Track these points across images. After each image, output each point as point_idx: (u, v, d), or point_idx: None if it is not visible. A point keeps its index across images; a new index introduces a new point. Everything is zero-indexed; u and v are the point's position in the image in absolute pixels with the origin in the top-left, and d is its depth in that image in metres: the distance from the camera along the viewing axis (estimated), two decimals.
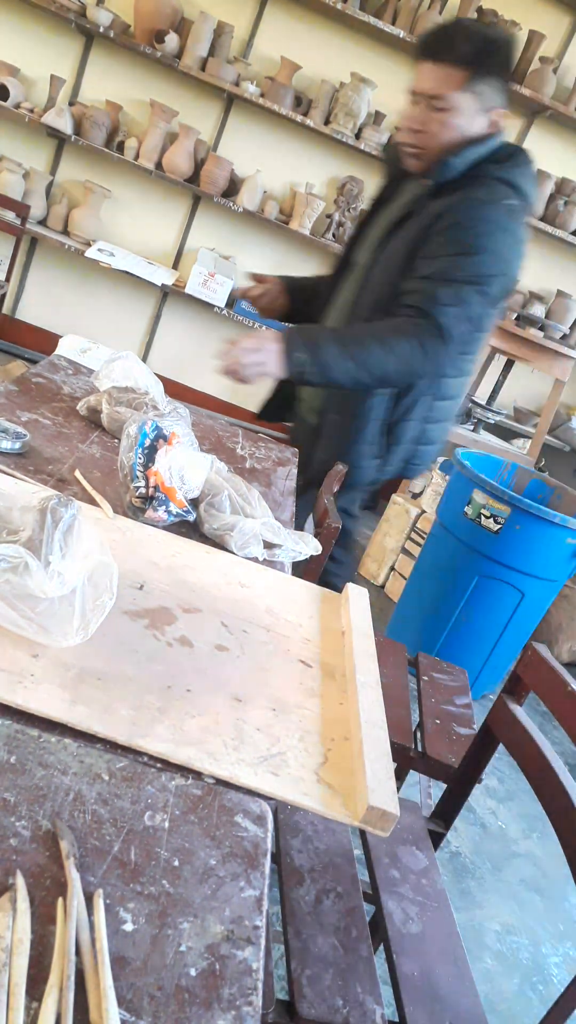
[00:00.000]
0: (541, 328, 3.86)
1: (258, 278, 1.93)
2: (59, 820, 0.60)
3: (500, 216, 1.57)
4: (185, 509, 1.15)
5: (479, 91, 1.55)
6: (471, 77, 1.53)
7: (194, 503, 1.19)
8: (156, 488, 1.13)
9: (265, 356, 1.52)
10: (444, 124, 1.56)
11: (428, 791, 2.12)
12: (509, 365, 4.14)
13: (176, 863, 0.60)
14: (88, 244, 4.14)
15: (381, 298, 1.65)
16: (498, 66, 1.55)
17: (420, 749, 1.54)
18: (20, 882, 0.54)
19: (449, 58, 1.51)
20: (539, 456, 4.23)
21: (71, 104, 4.11)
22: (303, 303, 1.92)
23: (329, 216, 4.11)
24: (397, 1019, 1.03)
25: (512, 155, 1.64)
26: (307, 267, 4.34)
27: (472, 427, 3.95)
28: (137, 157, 3.98)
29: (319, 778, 0.75)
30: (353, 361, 1.54)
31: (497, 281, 1.59)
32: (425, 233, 1.60)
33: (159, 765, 0.69)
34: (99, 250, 4.04)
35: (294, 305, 1.93)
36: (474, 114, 1.58)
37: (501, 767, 2.57)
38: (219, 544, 1.16)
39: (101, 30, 3.83)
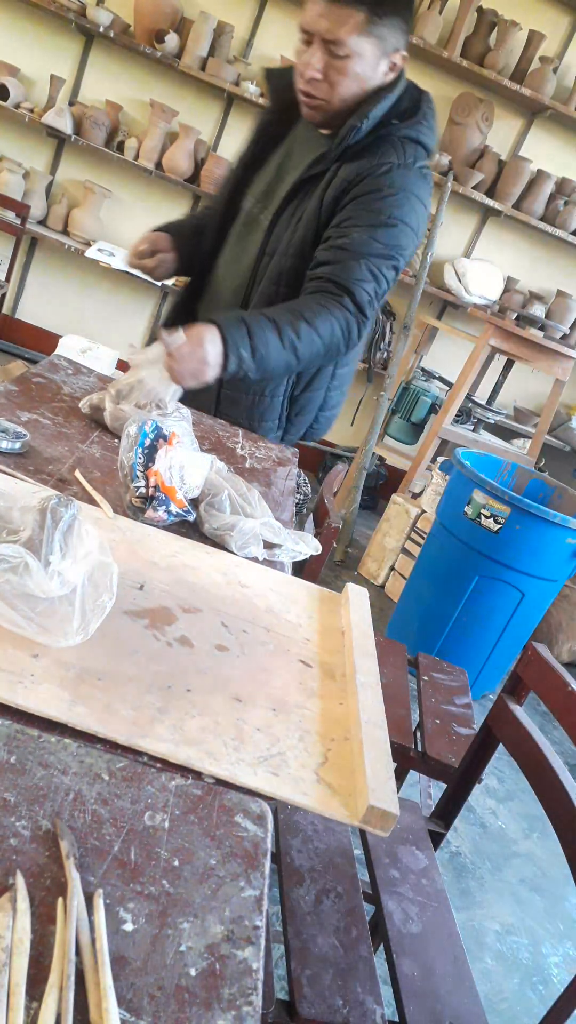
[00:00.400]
0: (541, 328, 3.86)
1: (152, 245, 1.74)
2: (59, 820, 0.60)
3: (415, 183, 1.51)
4: (185, 509, 1.15)
5: (380, 35, 1.43)
6: (371, 19, 1.40)
7: (194, 503, 1.19)
8: (156, 488, 1.13)
9: (204, 359, 1.34)
10: (345, 74, 1.44)
11: (428, 791, 2.12)
12: (509, 365, 4.15)
13: (176, 863, 0.60)
14: (88, 244, 4.14)
15: (288, 267, 1.58)
16: (399, 4, 1.45)
17: (420, 749, 1.54)
18: (20, 882, 0.54)
19: None
20: (539, 456, 4.23)
21: (71, 104, 4.11)
22: (190, 255, 1.79)
23: None
24: (397, 1019, 1.03)
25: (417, 105, 1.57)
26: None
27: (472, 427, 3.96)
28: (137, 157, 3.98)
29: (319, 778, 0.75)
30: (289, 351, 1.45)
31: (410, 253, 1.56)
32: (336, 200, 1.53)
33: (159, 765, 0.69)
34: (99, 250, 4.05)
35: (183, 260, 1.79)
36: (376, 60, 1.46)
37: (501, 767, 2.57)
38: (219, 544, 1.16)
39: (101, 30, 3.83)
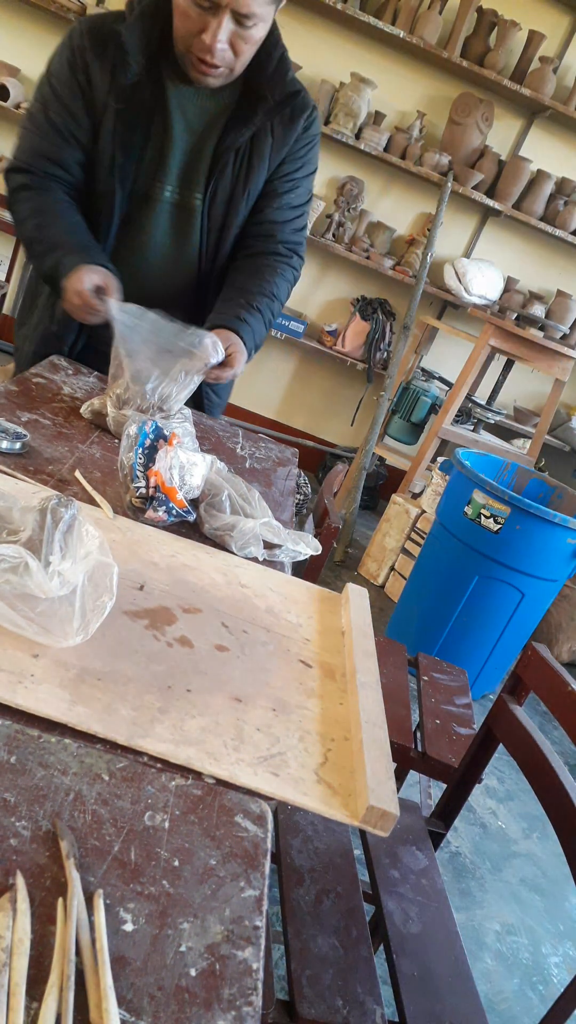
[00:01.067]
0: (541, 328, 3.86)
1: (98, 291, 1.44)
2: (59, 820, 0.60)
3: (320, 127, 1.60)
4: (185, 509, 1.15)
5: None
6: None
7: (194, 503, 1.19)
8: (156, 488, 1.13)
9: (238, 367, 1.45)
10: (251, 42, 1.37)
11: (428, 791, 2.12)
12: (509, 365, 4.15)
13: (176, 863, 0.60)
14: None
15: (229, 242, 1.60)
16: None
17: (420, 749, 1.54)
18: (20, 882, 0.54)
19: None
20: (539, 456, 4.23)
21: None
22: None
23: (329, 216, 4.11)
24: (397, 1019, 1.03)
25: (284, 50, 1.49)
26: (307, 267, 4.34)
27: (472, 427, 3.96)
28: None
29: (319, 778, 0.75)
30: (268, 328, 1.58)
31: None
32: (263, 172, 1.54)
33: (159, 765, 0.69)
34: None
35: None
36: (271, 16, 1.38)
37: (501, 767, 2.57)
38: (219, 544, 1.16)
39: None
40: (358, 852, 1.25)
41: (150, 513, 1.13)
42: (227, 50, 1.35)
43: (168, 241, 1.58)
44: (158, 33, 1.41)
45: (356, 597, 1.13)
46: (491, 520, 2.59)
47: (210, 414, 1.78)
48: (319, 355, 4.43)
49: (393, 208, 4.29)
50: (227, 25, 1.32)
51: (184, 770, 0.70)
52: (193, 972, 0.53)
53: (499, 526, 2.57)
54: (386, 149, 3.99)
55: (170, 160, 1.51)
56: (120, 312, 1.36)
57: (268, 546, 1.19)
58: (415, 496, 3.75)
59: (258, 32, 1.35)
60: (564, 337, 4.05)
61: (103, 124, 1.45)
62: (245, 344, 1.46)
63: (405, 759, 1.51)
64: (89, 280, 1.40)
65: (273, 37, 1.44)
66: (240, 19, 1.31)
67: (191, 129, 1.50)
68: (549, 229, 4.10)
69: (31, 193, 1.51)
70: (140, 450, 1.14)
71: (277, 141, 1.52)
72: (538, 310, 4.20)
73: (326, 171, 4.17)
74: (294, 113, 1.52)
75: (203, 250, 1.59)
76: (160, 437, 1.17)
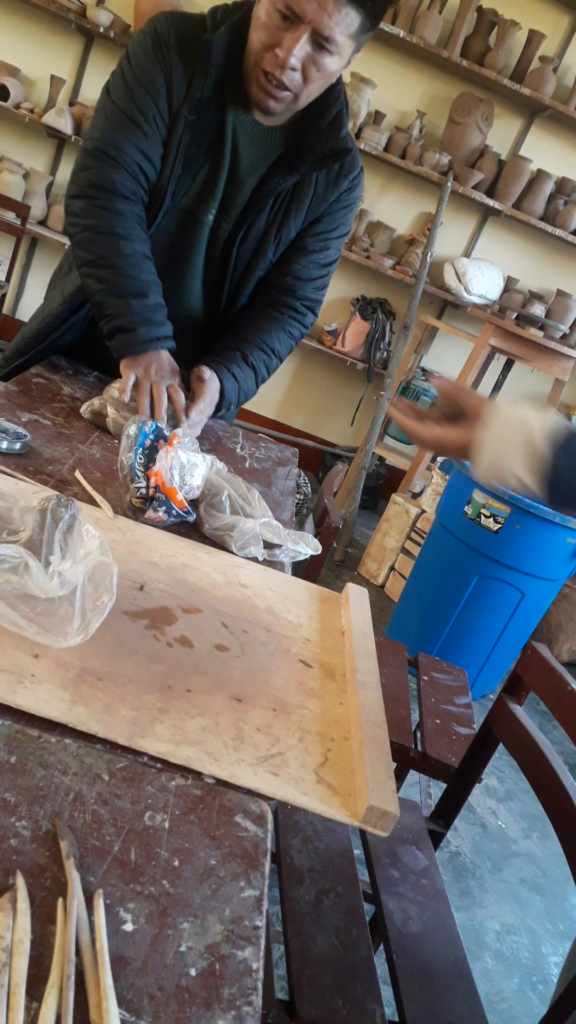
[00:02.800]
0: (541, 328, 3.86)
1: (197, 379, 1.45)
2: (59, 820, 0.60)
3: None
4: (185, 510, 1.15)
5: (360, 42, 1.32)
6: (363, 26, 1.28)
7: (194, 503, 1.19)
8: (157, 488, 1.13)
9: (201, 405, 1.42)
10: (323, 72, 1.32)
11: (428, 791, 2.12)
12: (509, 365, 4.15)
13: (176, 863, 0.60)
14: None
15: (250, 284, 1.57)
16: (381, 18, 1.34)
17: (420, 749, 1.54)
18: (20, 882, 0.54)
19: None
20: None
21: (71, 104, 4.11)
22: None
23: None
24: (397, 1019, 1.03)
25: (344, 107, 1.46)
26: None
27: None
28: None
29: (319, 778, 0.75)
30: (258, 385, 1.59)
31: None
32: (298, 223, 1.51)
33: (159, 765, 0.69)
34: None
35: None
36: (345, 64, 1.35)
37: (501, 767, 2.57)
38: (219, 544, 1.16)
39: (101, 30, 3.83)
40: (358, 852, 1.25)
41: (150, 513, 1.13)
42: (298, 72, 1.31)
43: (204, 268, 1.56)
44: (236, 51, 1.37)
45: (356, 597, 1.13)
46: (491, 520, 2.59)
47: (225, 420, 1.77)
48: (319, 355, 4.42)
49: (393, 208, 4.28)
50: (304, 44, 1.28)
51: (184, 770, 0.70)
52: (193, 972, 0.53)
53: (499, 526, 2.57)
54: (386, 149, 3.99)
55: (218, 185, 1.48)
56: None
57: (268, 546, 1.19)
58: (415, 496, 3.75)
59: (332, 64, 1.31)
60: (564, 337, 4.05)
61: (173, 131, 1.40)
62: (225, 394, 1.45)
63: (405, 759, 1.51)
64: (169, 375, 1.40)
65: (337, 91, 1.43)
66: (320, 40, 1.27)
67: (238, 159, 1.47)
68: (549, 229, 4.10)
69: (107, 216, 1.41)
70: (140, 450, 1.14)
71: (318, 196, 1.50)
72: (538, 310, 4.20)
73: None
74: (341, 171, 1.49)
75: (227, 285, 1.57)
76: (160, 437, 1.17)
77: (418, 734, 1.60)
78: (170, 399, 1.36)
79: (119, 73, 1.41)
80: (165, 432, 1.18)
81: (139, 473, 1.13)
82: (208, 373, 1.43)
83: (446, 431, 0.87)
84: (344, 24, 1.25)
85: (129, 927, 0.54)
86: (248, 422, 4.53)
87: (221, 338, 1.58)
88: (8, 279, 4.29)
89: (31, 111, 4.01)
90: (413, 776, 2.16)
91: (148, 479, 1.13)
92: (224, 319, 1.60)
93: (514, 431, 0.80)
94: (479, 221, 4.33)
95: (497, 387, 4.17)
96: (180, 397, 1.37)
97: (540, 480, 0.78)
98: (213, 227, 1.51)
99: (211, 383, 1.42)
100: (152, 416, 1.33)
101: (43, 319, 1.58)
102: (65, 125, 3.94)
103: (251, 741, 0.76)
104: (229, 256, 1.53)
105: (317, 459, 4.70)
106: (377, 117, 3.99)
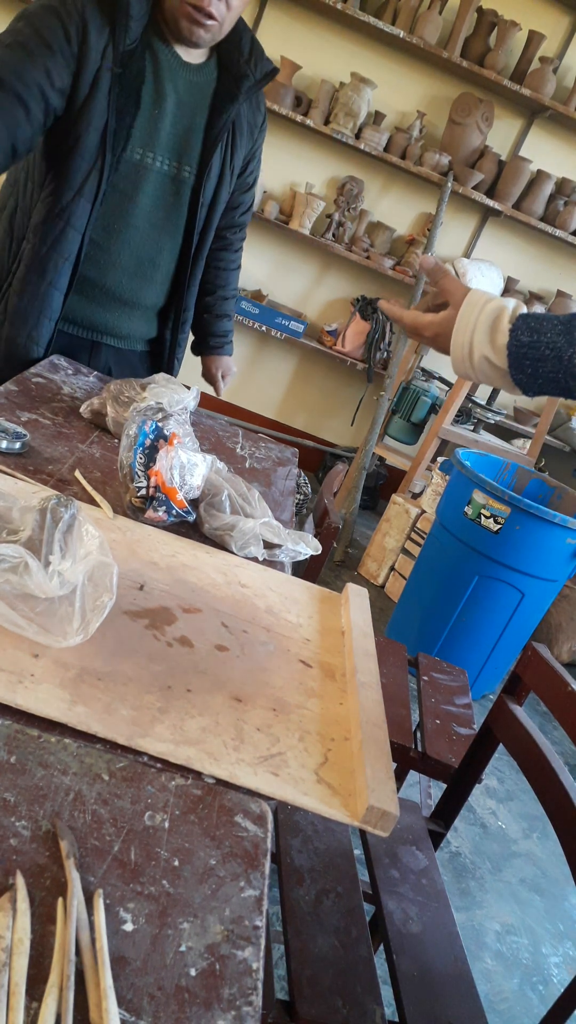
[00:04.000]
0: None
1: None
2: (59, 820, 0.60)
3: None
4: (185, 509, 1.15)
5: None
6: None
7: (194, 503, 1.19)
8: (157, 488, 1.13)
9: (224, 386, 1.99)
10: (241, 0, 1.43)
11: (428, 791, 2.12)
12: None
13: (176, 863, 0.60)
14: None
15: (216, 220, 1.67)
16: None
17: (420, 749, 1.54)
18: (20, 882, 0.54)
19: None
20: (539, 456, 4.23)
21: None
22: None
23: (329, 216, 4.11)
24: (397, 1019, 1.03)
25: (253, 34, 1.57)
26: (307, 267, 4.34)
27: (472, 427, 3.96)
28: None
29: (319, 778, 0.75)
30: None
31: None
32: (242, 151, 1.62)
33: (159, 765, 0.69)
34: None
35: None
36: None
37: (501, 767, 2.57)
38: (219, 544, 1.16)
39: None
40: (358, 852, 1.25)
41: (150, 513, 1.13)
42: (221, 1, 1.39)
43: (158, 211, 1.59)
44: None
45: (356, 597, 1.13)
46: (491, 520, 2.59)
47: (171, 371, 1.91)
48: (319, 355, 4.42)
49: (393, 208, 4.28)
50: None
51: (184, 770, 0.70)
52: (193, 972, 0.53)
53: (499, 526, 2.57)
54: (386, 149, 3.99)
55: (161, 130, 1.51)
56: None
57: (268, 546, 1.19)
58: (415, 496, 3.75)
59: None
60: None
61: (97, 86, 1.40)
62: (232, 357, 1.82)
63: (405, 759, 1.51)
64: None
65: (242, 22, 1.53)
66: None
67: (181, 101, 1.51)
68: (549, 229, 4.09)
69: None
70: (140, 450, 1.14)
71: (250, 124, 1.61)
72: (538, 310, 4.20)
73: (326, 171, 4.17)
74: (260, 96, 1.62)
75: (195, 224, 1.63)
76: (160, 437, 1.17)
77: (418, 734, 1.60)
78: None
79: (15, 24, 1.38)
80: (165, 432, 1.18)
81: (139, 473, 1.13)
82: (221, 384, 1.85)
83: (427, 316, 0.90)
84: None
85: (129, 927, 0.54)
86: (248, 422, 4.53)
87: (197, 275, 1.73)
88: None
89: None
90: (413, 776, 2.16)
91: (148, 479, 1.13)
92: (194, 263, 1.69)
93: (485, 314, 0.83)
94: (479, 221, 4.33)
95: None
96: None
97: (503, 352, 0.81)
98: (168, 172, 1.56)
99: (226, 379, 1.84)
100: None
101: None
102: None
103: (251, 741, 0.76)
104: (196, 202, 1.60)
105: (317, 459, 4.70)
106: (377, 117, 3.99)
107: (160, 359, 1.82)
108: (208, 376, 1.96)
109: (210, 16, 1.40)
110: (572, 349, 0.77)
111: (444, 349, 0.88)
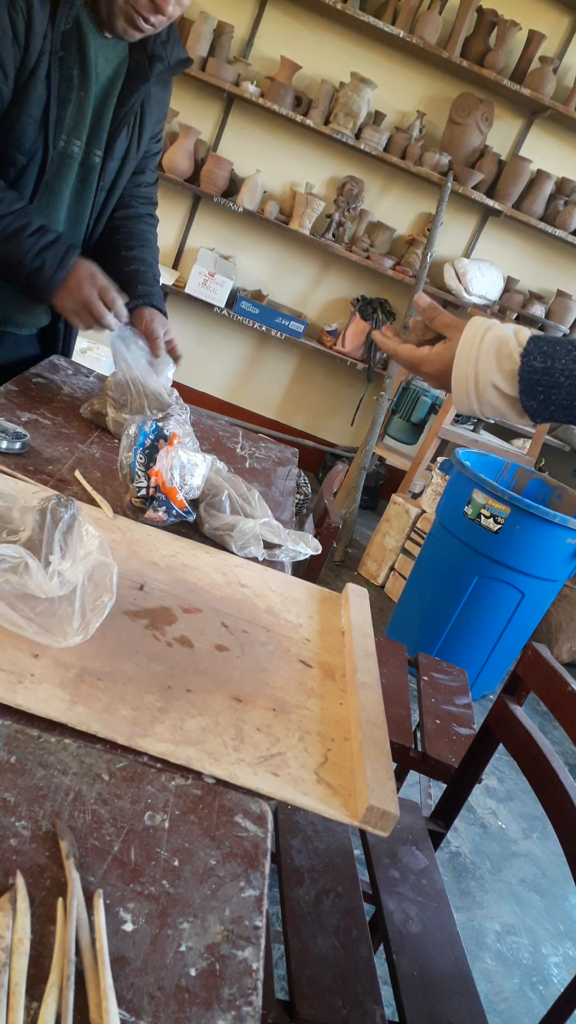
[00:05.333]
0: (541, 328, 3.86)
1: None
2: (59, 820, 0.60)
3: None
4: (185, 509, 1.15)
5: None
6: None
7: (194, 503, 1.19)
8: (157, 488, 1.13)
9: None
10: (184, 5, 1.33)
11: (428, 791, 2.12)
12: None
13: (176, 863, 0.60)
14: None
15: (113, 202, 1.58)
16: None
17: (420, 749, 1.54)
18: (20, 882, 0.54)
19: None
20: (539, 456, 4.23)
21: None
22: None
23: (329, 216, 4.11)
24: (397, 1019, 1.03)
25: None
26: (307, 267, 4.34)
27: (472, 427, 3.96)
28: None
29: (319, 778, 0.75)
30: None
31: None
32: (149, 131, 1.53)
33: (159, 765, 0.69)
34: None
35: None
36: None
37: (501, 767, 2.57)
38: (219, 544, 1.16)
39: None
40: (358, 852, 1.25)
41: (150, 513, 1.13)
42: (162, 8, 1.30)
43: (73, 202, 1.51)
44: None
45: (356, 597, 1.13)
46: (491, 520, 2.59)
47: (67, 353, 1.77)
48: (319, 355, 4.42)
49: (393, 208, 4.28)
50: None
51: (184, 770, 0.70)
52: (193, 972, 0.53)
53: (499, 526, 2.57)
54: (386, 149, 3.99)
55: (85, 115, 1.42)
56: (118, 325, 1.39)
57: (268, 546, 1.19)
58: (415, 496, 3.75)
59: None
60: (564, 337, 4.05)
61: (36, 72, 1.30)
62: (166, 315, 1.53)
63: (405, 759, 1.51)
64: (102, 279, 1.39)
65: None
66: None
67: (99, 82, 1.42)
68: (549, 229, 4.09)
69: None
70: (140, 450, 1.14)
71: (157, 101, 1.53)
72: (538, 310, 4.20)
73: (326, 171, 4.17)
74: (170, 79, 1.54)
75: (93, 210, 1.54)
76: (160, 437, 1.17)
77: (418, 734, 1.60)
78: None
79: None
80: (165, 432, 1.18)
81: (139, 473, 1.13)
82: (148, 312, 1.48)
83: (423, 349, 0.88)
84: None
85: (129, 927, 0.54)
86: (248, 422, 4.53)
87: (92, 254, 1.55)
88: None
89: None
90: (413, 776, 2.16)
91: (148, 479, 1.13)
92: (92, 238, 1.59)
93: (487, 342, 0.80)
94: (479, 221, 4.33)
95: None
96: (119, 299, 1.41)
97: (513, 378, 0.77)
98: (82, 159, 1.46)
99: (155, 319, 1.47)
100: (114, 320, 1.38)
101: None
102: None
103: (251, 741, 0.76)
104: (98, 182, 1.51)
105: (317, 459, 4.70)
106: (377, 117, 3.99)
107: (53, 343, 1.69)
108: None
109: (152, 24, 1.32)
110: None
111: (446, 385, 0.84)
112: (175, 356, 1.48)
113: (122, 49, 1.43)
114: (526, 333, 0.79)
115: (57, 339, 1.70)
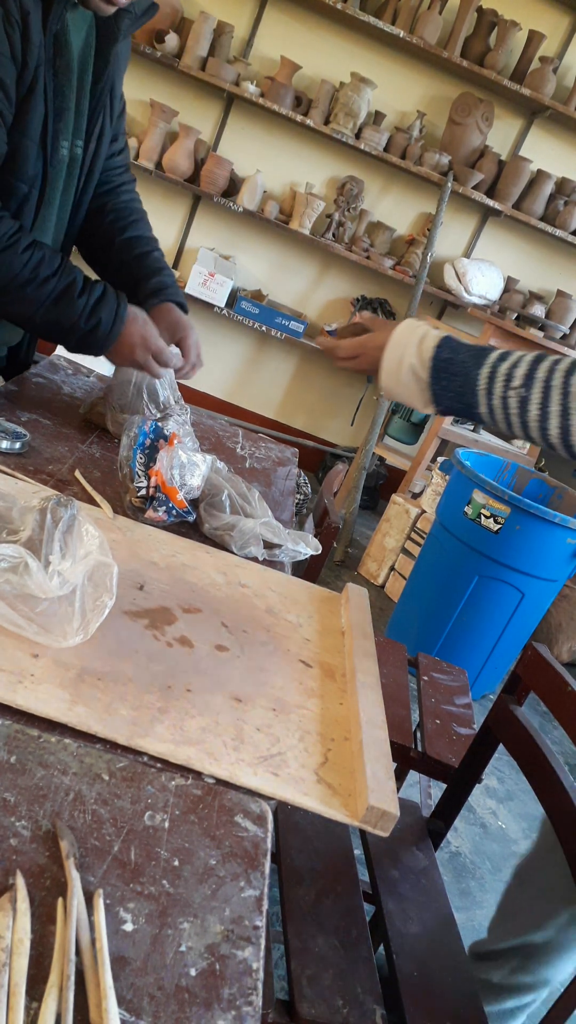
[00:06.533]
0: (541, 329, 3.86)
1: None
2: (59, 820, 0.60)
3: None
4: (185, 509, 1.15)
5: None
6: None
7: (194, 503, 1.19)
8: (157, 488, 1.13)
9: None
10: None
11: (428, 791, 2.12)
12: None
13: (176, 863, 0.60)
14: None
15: (93, 184, 1.42)
16: None
17: (420, 749, 1.54)
18: (20, 882, 0.54)
19: None
20: (539, 456, 4.23)
21: None
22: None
23: (329, 216, 4.11)
24: (397, 1019, 1.03)
25: None
26: (307, 267, 4.34)
27: (472, 427, 3.96)
28: (137, 157, 3.98)
29: (319, 778, 0.75)
30: None
31: None
32: (118, 98, 1.39)
33: (159, 765, 0.69)
34: None
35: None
36: None
37: (501, 767, 2.57)
38: (219, 544, 1.16)
39: None
40: (358, 852, 1.25)
41: (150, 513, 1.13)
42: None
43: (62, 205, 1.39)
44: None
45: (356, 597, 1.13)
46: (491, 520, 2.59)
47: None
48: (319, 355, 4.42)
49: (393, 208, 4.28)
50: None
51: (184, 770, 0.70)
52: (193, 972, 0.53)
53: (499, 526, 2.57)
54: (386, 149, 3.98)
55: (72, 110, 1.29)
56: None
57: (268, 546, 1.19)
58: (415, 496, 3.75)
59: None
60: (564, 337, 4.05)
61: (34, 88, 1.18)
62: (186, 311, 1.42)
63: (405, 759, 1.51)
64: (154, 340, 1.29)
65: None
66: None
67: (77, 63, 1.27)
68: (549, 229, 4.09)
69: None
70: (140, 450, 1.14)
71: (123, 59, 1.38)
72: (538, 310, 4.20)
73: (326, 171, 4.17)
74: (128, 41, 1.38)
75: (76, 198, 1.40)
76: (160, 437, 1.17)
77: (418, 734, 1.60)
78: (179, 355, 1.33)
79: None
80: (165, 432, 1.18)
81: (139, 473, 1.13)
82: (173, 317, 1.37)
83: (358, 338, 1.05)
84: None
85: (129, 927, 0.54)
86: (248, 422, 4.53)
87: (67, 238, 1.44)
88: None
89: None
90: (413, 776, 2.15)
91: (148, 479, 1.13)
92: (71, 229, 1.44)
93: (415, 335, 1.00)
94: (479, 221, 4.33)
95: None
96: (174, 352, 1.33)
97: (426, 364, 0.97)
98: (68, 156, 1.34)
99: (187, 334, 1.37)
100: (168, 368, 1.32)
101: None
102: None
103: (251, 741, 0.76)
104: (80, 171, 1.38)
105: (317, 459, 4.70)
106: (377, 117, 3.99)
107: (17, 354, 1.55)
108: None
109: None
110: (476, 370, 0.94)
111: (362, 368, 1.04)
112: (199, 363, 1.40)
113: (88, 13, 1.26)
114: (442, 334, 0.99)
115: (20, 351, 1.56)
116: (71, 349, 1.29)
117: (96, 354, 1.31)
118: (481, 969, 1.40)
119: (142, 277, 1.43)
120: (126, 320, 1.26)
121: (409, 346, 0.98)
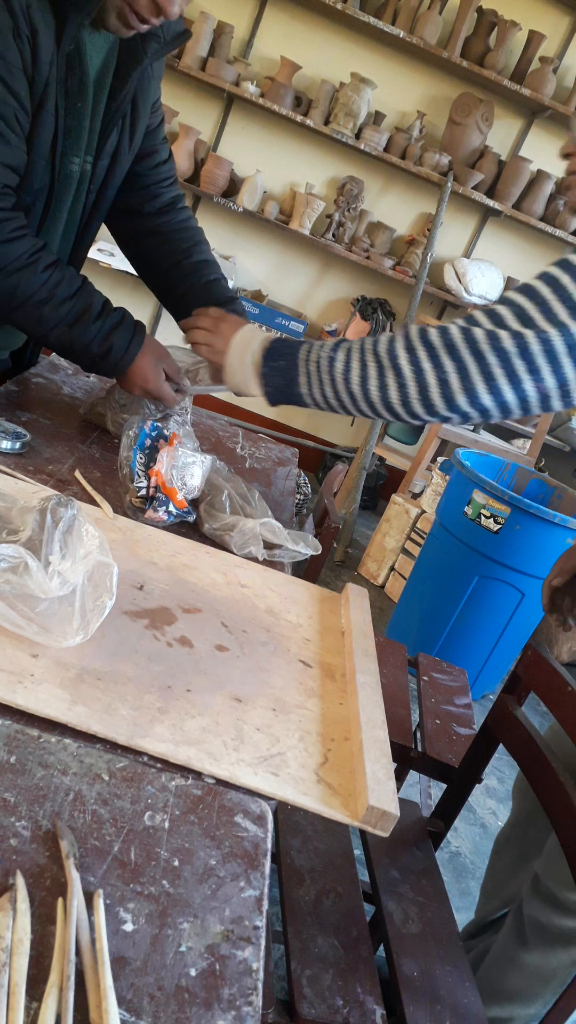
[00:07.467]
0: None
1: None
2: (59, 820, 0.60)
3: None
4: (185, 509, 1.15)
5: None
6: None
7: (194, 503, 1.19)
8: (157, 488, 1.13)
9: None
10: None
11: (428, 791, 2.12)
12: None
13: (176, 863, 0.60)
14: None
15: (107, 203, 1.41)
16: None
17: (420, 749, 1.54)
18: (20, 882, 0.54)
19: None
20: (539, 456, 4.23)
21: None
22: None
23: (329, 216, 4.11)
24: (397, 1019, 1.03)
25: None
26: (307, 267, 4.34)
27: (472, 427, 3.96)
28: None
29: (319, 778, 0.75)
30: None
31: None
32: (146, 116, 1.36)
33: (159, 765, 0.69)
34: (99, 250, 4.04)
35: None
36: None
37: (501, 767, 2.57)
38: (219, 544, 1.16)
39: None
40: (358, 852, 1.25)
41: (150, 513, 1.13)
42: (165, 10, 1.16)
43: (70, 220, 1.39)
44: None
45: (356, 597, 1.13)
46: (491, 520, 2.59)
47: None
48: None
49: (393, 208, 4.28)
50: None
51: (184, 770, 0.70)
52: (193, 972, 0.53)
53: (499, 526, 2.57)
54: (386, 149, 3.98)
55: (85, 128, 1.29)
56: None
57: (268, 546, 1.19)
58: (415, 496, 3.75)
59: None
60: None
61: (44, 105, 1.17)
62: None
63: (405, 759, 1.51)
64: (169, 371, 1.31)
65: None
66: None
67: (93, 82, 1.27)
68: (549, 229, 4.09)
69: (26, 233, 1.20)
70: (140, 450, 1.14)
71: (155, 79, 1.36)
72: None
73: (326, 171, 4.17)
74: (161, 61, 1.37)
75: (83, 215, 1.39)
76: (160, 437, 1.17)
77: (418, 734, 1.60)
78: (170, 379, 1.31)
79: None
80: (165, 432, 1.18)
81: (139, 473, 1.13)
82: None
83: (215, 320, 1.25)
84: None
85: (129, 927, 0.54)
86: (248, 422, 4.53)
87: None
88: None
89: None
90: (413, 776, 2.15)
91: (148, 479, 1.13)
92: (77, 246, 1.44)
93: (259, 332, 1.19)
94: (479, 221, 4.33)
95: None
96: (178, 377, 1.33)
97: (262, 350, 1.14)
98: (78, 173, 1.33)
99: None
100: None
101: None
102: None
103: (251, 741, 0.76)
104: (88, 186, 1.36)
105: (317, 459, 4.69)
106: (377, 117, 3.99)
107: (21, 357, 1.56)
108: None
109: (151, 24, 1.17)
110: (299, 347, 1.12)
111: (214, 347, 1.22)
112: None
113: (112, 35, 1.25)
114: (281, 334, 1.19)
115: (25, 355, 1.56)
116: (85, 369, 1.30)
117: (109, 377, 1.32)
118: (471, 946, 1.45)
119: (214, 305, 1.39)
120: (140, 350, 1.27)
121: (254, 340, 1.17)
